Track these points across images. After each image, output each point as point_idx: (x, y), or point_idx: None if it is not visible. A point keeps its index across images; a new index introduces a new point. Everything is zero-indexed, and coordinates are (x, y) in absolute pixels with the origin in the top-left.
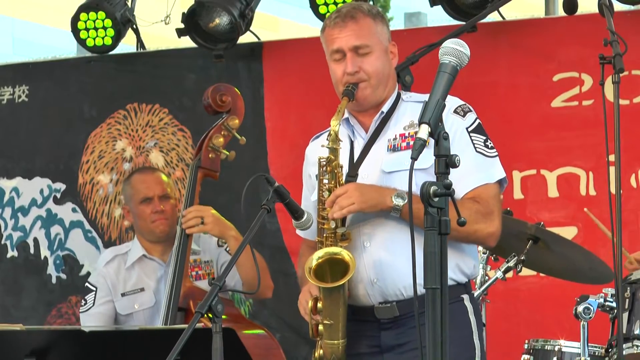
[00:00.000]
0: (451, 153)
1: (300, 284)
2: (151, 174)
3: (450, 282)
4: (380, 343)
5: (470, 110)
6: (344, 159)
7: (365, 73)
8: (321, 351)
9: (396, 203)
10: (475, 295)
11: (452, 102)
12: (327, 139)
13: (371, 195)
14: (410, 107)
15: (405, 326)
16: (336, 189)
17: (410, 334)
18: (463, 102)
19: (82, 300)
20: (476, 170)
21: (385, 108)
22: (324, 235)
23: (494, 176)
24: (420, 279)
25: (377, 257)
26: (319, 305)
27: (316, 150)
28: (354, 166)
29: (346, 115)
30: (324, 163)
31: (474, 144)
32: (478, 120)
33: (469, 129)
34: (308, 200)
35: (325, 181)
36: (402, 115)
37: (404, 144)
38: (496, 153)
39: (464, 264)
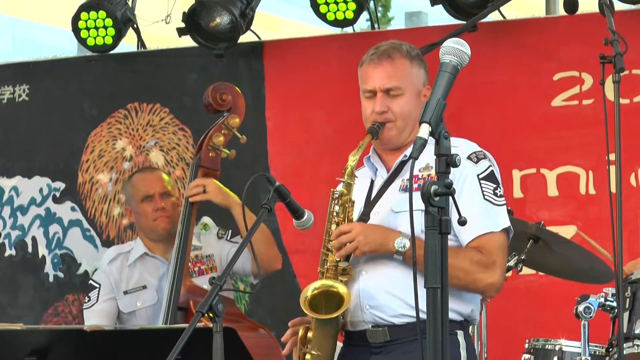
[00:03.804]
0: (459, 199)
1: None
2: (151, 172)
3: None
4: None
5: (485, 157)
6: (361, 197)
7: (392, 114)
8: None
9: (398, 247)
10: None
11: (468, 147)
12: (342, 172)
13: (374, 239)
14: (429, 149)
15: (395, 352)
16: (343, 223)
17: (400, 359)
18: (479, 149)
19: (85, 297)
20: (482, 217)
21: (408, 151)
22: (326, 267)
23: (499, 225)
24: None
25: (372, 284)
26: (309, 335)
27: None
28: (369, 205)
29: (370, 153)
30: (336, 196)
31: (482, 191)
32: (491, 168)
33: (480, 176)
34: None
35: (335, 214)
36: (422, 157)
37: (415, 185)
38: (504, 202)
39: (461, 307)
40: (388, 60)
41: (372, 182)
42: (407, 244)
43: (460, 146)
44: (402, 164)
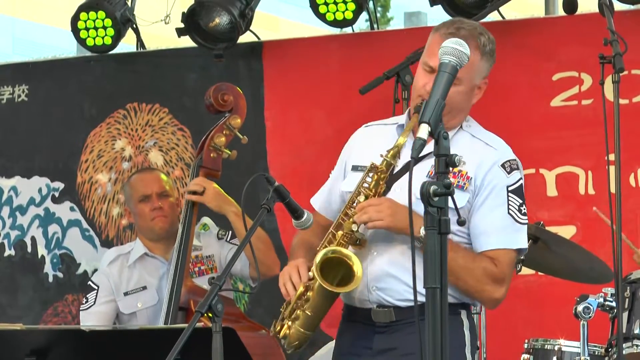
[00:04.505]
0: (484, 207)
1: (290, 254)
2: (149, 173)
3: (449, 299)
4: (372, 346)
5: (518, 168)
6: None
7: None
8: (287, 331)
9: (422, 234)
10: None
11: (504, 154)
12: (387, 151)
13: (402, 218)
14: (464, 141)
15: (400, 332)
16: (372, 197)
17: (404, 339)
18: (514, 157)
19: (83, 299)
20: (501, 231)
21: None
22: (340, 232)
23: (517, 243)
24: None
25: (381, 266)
26: (309, 294)
27: (363, 137)
28: (392, 178)
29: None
30: (373, 168)
31: (509, 204)
32: (521, 182)
33: (509, 188)
34: (335, 181)
35: (366, 185)
36: (454, 146)
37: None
38: (526, 220)
39: (461, 297)
40: None
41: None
42: None
43: (499, 149)
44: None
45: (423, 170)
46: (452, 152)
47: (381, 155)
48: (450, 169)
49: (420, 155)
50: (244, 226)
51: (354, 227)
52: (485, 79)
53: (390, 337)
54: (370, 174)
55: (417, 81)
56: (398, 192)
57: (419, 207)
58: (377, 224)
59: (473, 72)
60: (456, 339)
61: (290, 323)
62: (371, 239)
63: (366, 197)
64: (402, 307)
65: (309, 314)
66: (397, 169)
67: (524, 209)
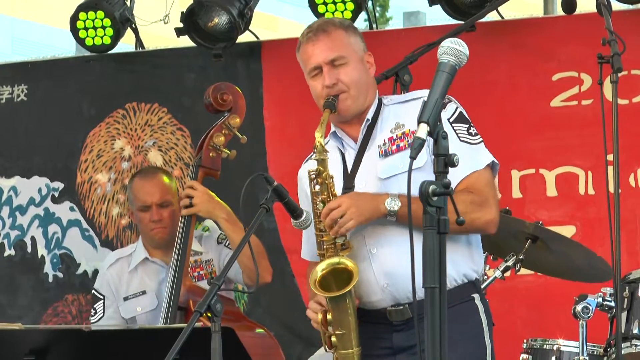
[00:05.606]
0: None
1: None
2: (151, 178)
3: (459, 282)
4: (392, 345)
5: (450, 101)
6: (336, 171)
7: (343, 84)
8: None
9: (390, 208)
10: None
11: None
12: (313, 152)
13: (366, 206)
14: (393, 110)
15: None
16: (329, 200)
17: (423, 335)
18: None
19: (91, 309)
20: (462, 160)
21: (369, 115)
22: (324, 247)
23: (481, 162)
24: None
25: (385, 262)
26: (329, 316)
27: (307, 173)
28: (349, 177)
29: (333, 128)
30: (314, 176)
31: (457, 133)
32: (459, 109)
33: (450, 120)
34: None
35: (318, 193)
36: (386, 120)
37: (394, 147)
38: (480, 139)
39: (473, 265)
40: (324, 34)
41: (343, 155)
42: (397, 203)
43: (424, 95)
44: (369, 129)
45: (373, 154)
46: (390, 124)
47: (310, 159)
48: (395, 136)
49: (363, 139)
50: (252, 257)
51: (332, 236)
52: (367, 52)
53: (408, 335)
54: (315, 181)
55: (315, 90)
56: (362, 186)
57: (384, 189)
58: (350, 226)
59: (348, 46)
60: (473, 328)
61: (334, 351)
62: (362, 239)
63: (323, 203)
64: (417, 302)
65: (340, 332)
66: (349, 167)
67: (473, 129)
